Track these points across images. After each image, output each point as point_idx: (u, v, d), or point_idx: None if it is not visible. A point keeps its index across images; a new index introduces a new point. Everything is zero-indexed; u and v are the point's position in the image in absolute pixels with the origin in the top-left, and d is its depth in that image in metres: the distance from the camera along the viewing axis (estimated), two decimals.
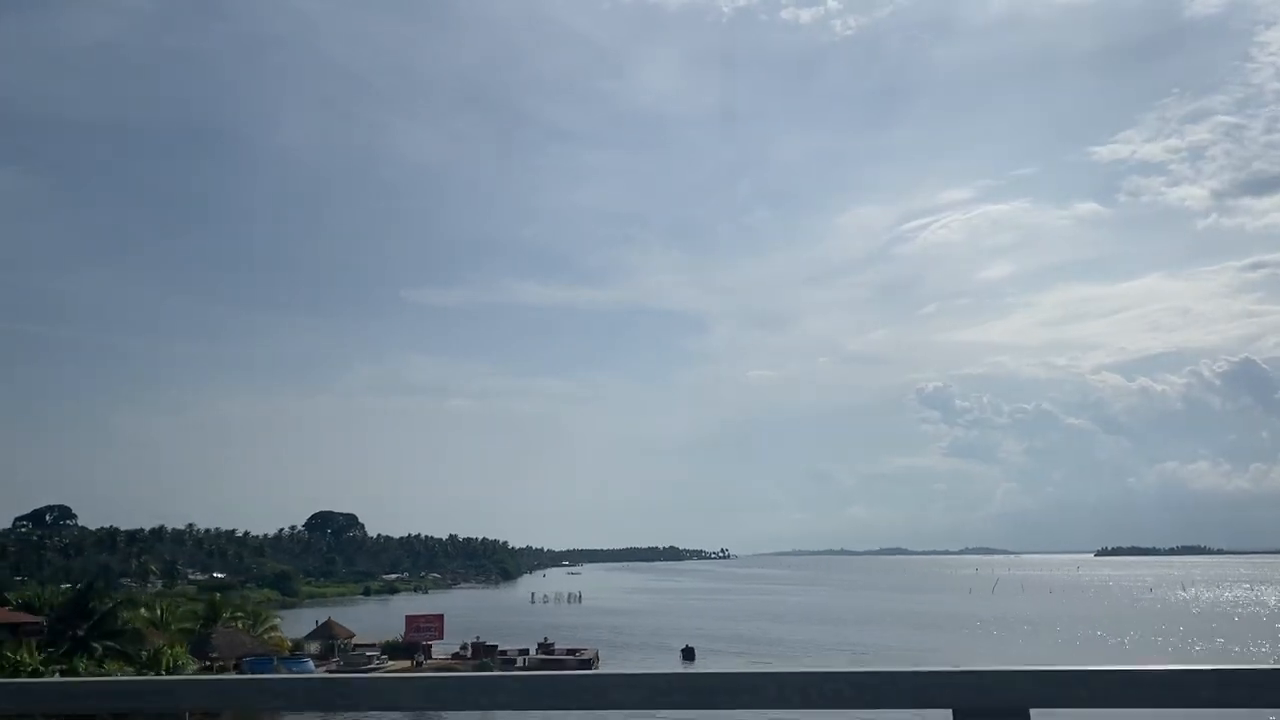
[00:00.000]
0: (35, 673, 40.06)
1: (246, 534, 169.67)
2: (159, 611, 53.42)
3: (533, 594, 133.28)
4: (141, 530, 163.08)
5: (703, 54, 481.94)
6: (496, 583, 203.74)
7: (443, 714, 2.20)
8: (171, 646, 44.99)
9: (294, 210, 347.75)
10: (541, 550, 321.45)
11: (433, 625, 59.72)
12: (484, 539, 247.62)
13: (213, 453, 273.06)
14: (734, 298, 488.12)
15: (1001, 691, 1.94)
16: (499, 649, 59.12)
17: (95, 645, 43.97)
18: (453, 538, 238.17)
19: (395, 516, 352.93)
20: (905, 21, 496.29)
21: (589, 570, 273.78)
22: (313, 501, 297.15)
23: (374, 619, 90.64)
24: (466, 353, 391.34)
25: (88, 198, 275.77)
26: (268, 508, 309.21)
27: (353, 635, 62.45)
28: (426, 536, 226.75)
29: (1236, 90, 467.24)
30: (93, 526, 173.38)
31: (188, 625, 52.72)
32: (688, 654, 64.74)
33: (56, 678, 35.34)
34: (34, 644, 42.62)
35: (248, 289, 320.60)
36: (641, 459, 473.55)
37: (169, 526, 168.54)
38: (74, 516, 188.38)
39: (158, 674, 32.48)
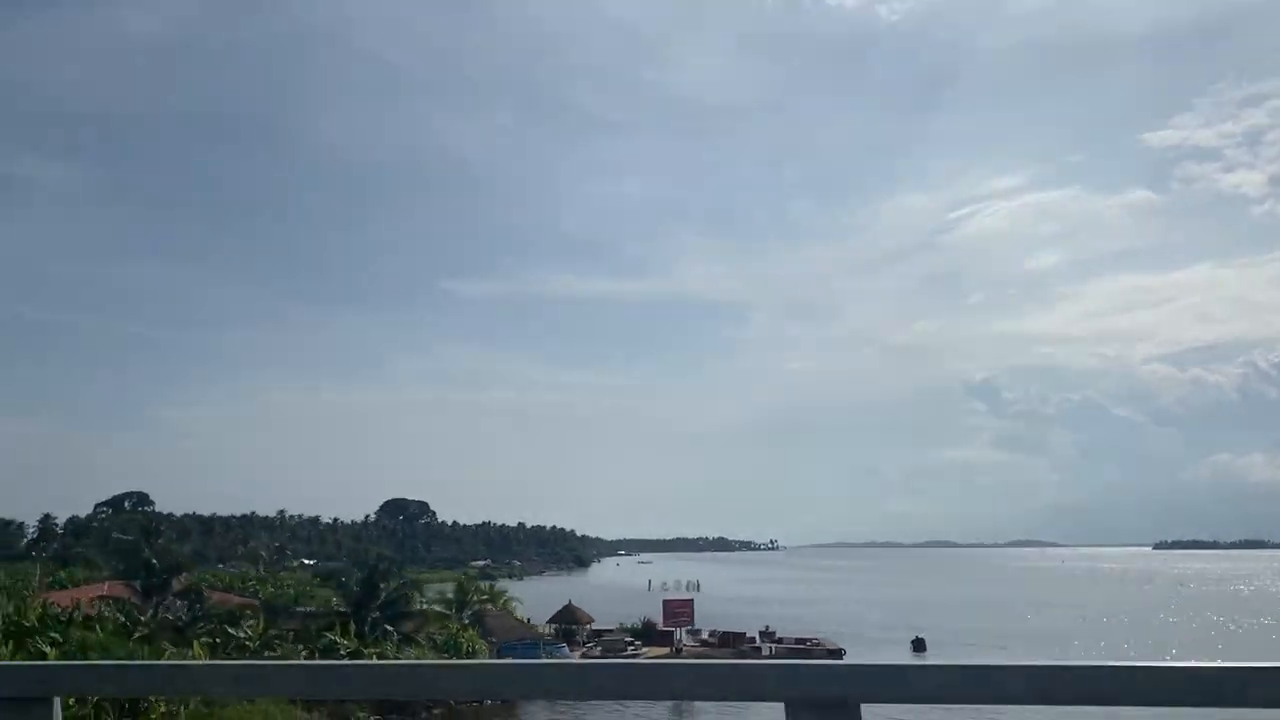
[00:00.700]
0: (355, 654, 37.08)
1: (336, 520, 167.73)
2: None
3: (649, 581, 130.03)
4: (234, 516, 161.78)
5: (746, 41, 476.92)
6: (571, 570, 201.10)
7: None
8: (464, 629, 41.86)
9: (335, 201, 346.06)
10: (596, 539, 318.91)
11: (685, 611, 56.40)
12: (552, 527, 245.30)
13: (265, 443, 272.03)
14: (775, 288, 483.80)
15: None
16: (746, 635, 55.71)
17: (389, 628, 40.93)
18: (521, 525, 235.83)
19: (458, 503, 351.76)
20: (953, 6, 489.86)
21: (654, 559, 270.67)
22: (374, 489, 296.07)
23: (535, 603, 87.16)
24: (507, 343, 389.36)
25: (135, 191, 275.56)
26: (330, 496, 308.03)
27: (592, 620, 59.23)
28: (500, 524, 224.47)
29: None
30: (167, 513, 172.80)
31: (438, 608, 49.49)
32: (918, 645, 61.15)
33: (374, 660, 32.14)
34: (348, 628, 39.49)
35: (289, 280, 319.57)
36: (681, 450, 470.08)
37: (258, 513, 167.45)
38: (151, 503, 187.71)
39: (457, 658, 29.29)
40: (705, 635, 56.38)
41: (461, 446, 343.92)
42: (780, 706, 1.97)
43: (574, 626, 57.05)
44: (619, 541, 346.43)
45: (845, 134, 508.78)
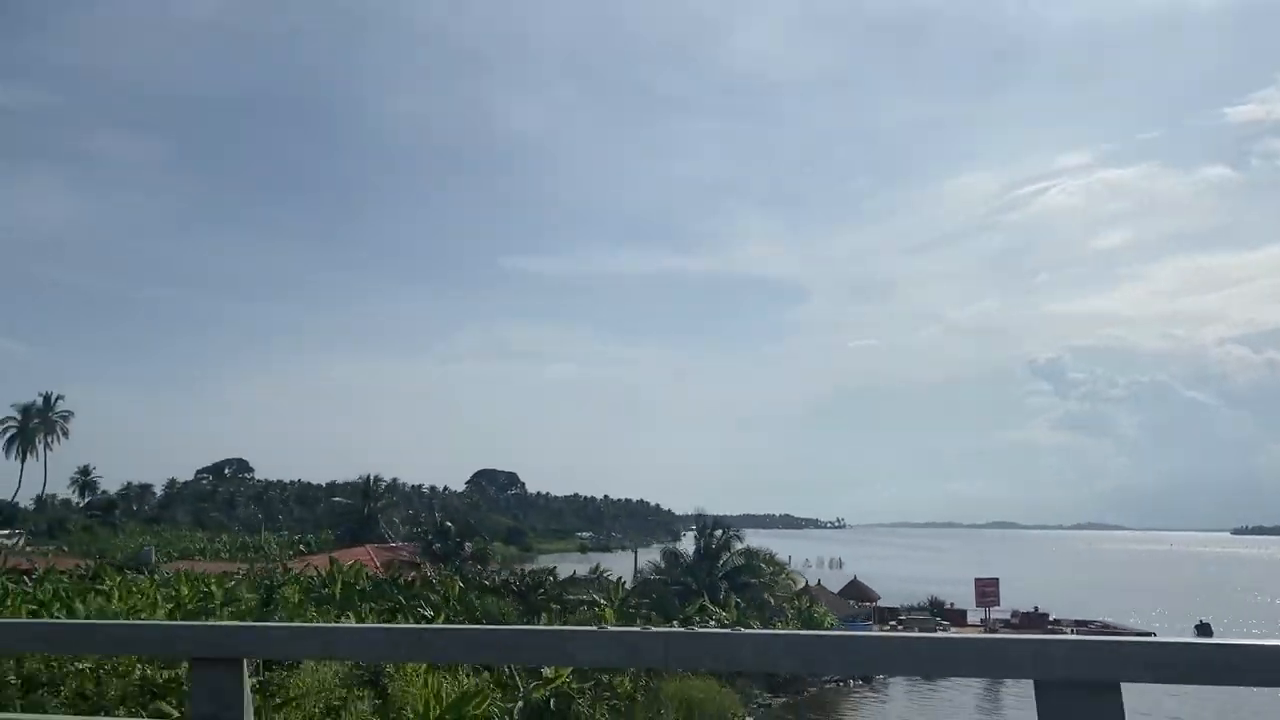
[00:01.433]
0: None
1: (447, 489, 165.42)
2: None
3: (789, 557, 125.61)
4: (341, 483, 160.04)
5: (808, 18, 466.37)
6: (669, 543, 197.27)
7: None
8: (813, 603, 37.66)
9: (398, 179, 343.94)
10: (670, 513, 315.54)
11: (993, 590, 51.92)
12: (638, 500, 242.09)
13: (333, 414, 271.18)
14: (835, 267, 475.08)
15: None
16: (1050, 616, 51.06)
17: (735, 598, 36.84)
18: (606, 497, 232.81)
19: (537, 474, 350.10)
20: None
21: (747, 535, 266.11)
22: (439, 458, 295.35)
23: None
24: (566, 320, 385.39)
25: (206, 169, 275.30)
26: (403, 464, 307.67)
27: (877, 596, 54.93)
28: (588, 496, 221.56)
29: None
30: (268, 479, 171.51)
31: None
32: (1203, 630, 55.87)
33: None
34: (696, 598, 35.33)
35: (349, 255, 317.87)
36: (742, 427, 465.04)
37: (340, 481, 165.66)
38: (251, 469, 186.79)
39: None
40: (1008, 615, 51.86)
41: (524, 420, 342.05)
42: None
43: (865, 603, 52.93)
44: (690, 516, 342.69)
45: (907, 111, 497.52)
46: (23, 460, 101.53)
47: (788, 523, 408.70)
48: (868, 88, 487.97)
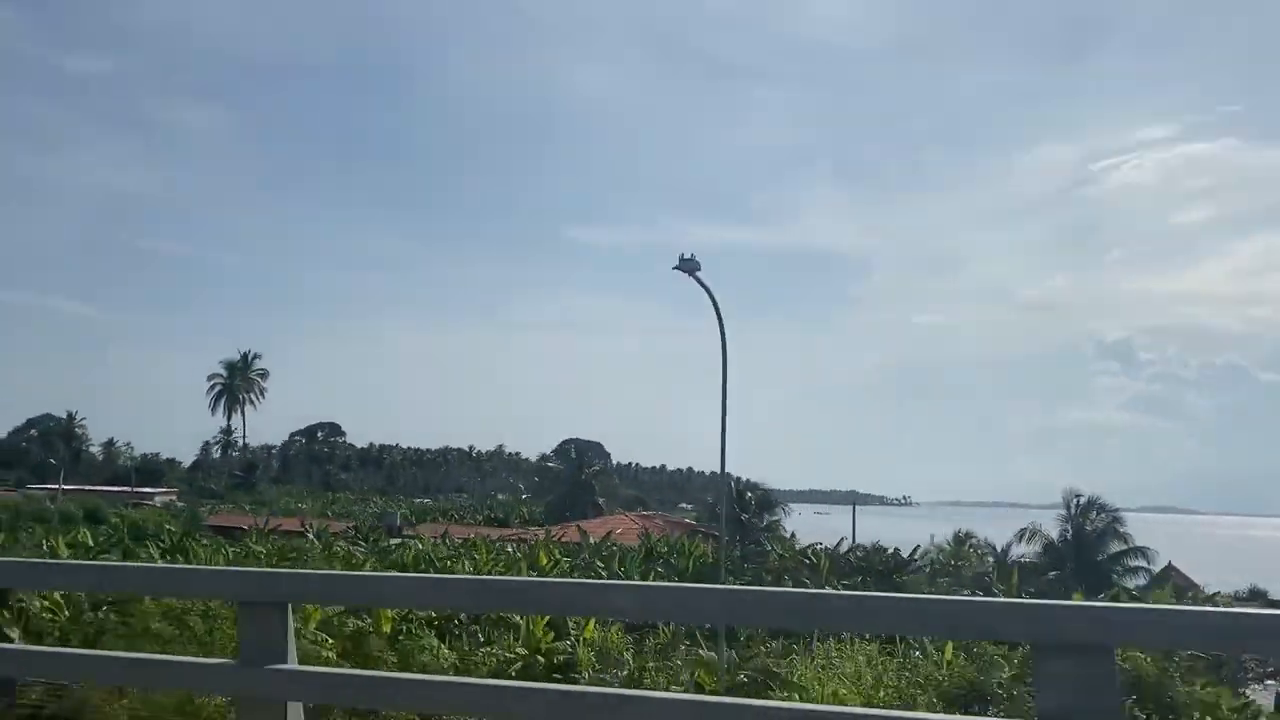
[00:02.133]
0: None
1: (518, 455, 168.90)
2: None
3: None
4: (422, 451, 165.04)
5: None
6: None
7: None
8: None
9: (462, 148, 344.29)
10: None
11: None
12: (712, 472, 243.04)
13: (400, 380, 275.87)
14: (903, 239, 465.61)
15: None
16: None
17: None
18: (690, 469, 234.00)
19: (615, 443, 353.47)
20: None
21: (830, 511, 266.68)
22: (510, 426, 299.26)
23: None
24: (628, 291, 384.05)
25: (275, 137, 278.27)
26: (485, 435, 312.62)
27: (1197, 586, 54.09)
28: (675, 468, 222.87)
29: None
30: (360, 445, 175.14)
31: None
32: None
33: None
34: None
35: (415, 224, 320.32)
36: (806, 401, 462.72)
37: (453, 446, 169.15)
38: (343, 433, 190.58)
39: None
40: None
41: (592, 390, 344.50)
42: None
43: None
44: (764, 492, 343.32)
45: (981, 81, 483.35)
46: (229, 416, 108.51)
47: (853, 499, 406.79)
48: (944, 56, 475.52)
